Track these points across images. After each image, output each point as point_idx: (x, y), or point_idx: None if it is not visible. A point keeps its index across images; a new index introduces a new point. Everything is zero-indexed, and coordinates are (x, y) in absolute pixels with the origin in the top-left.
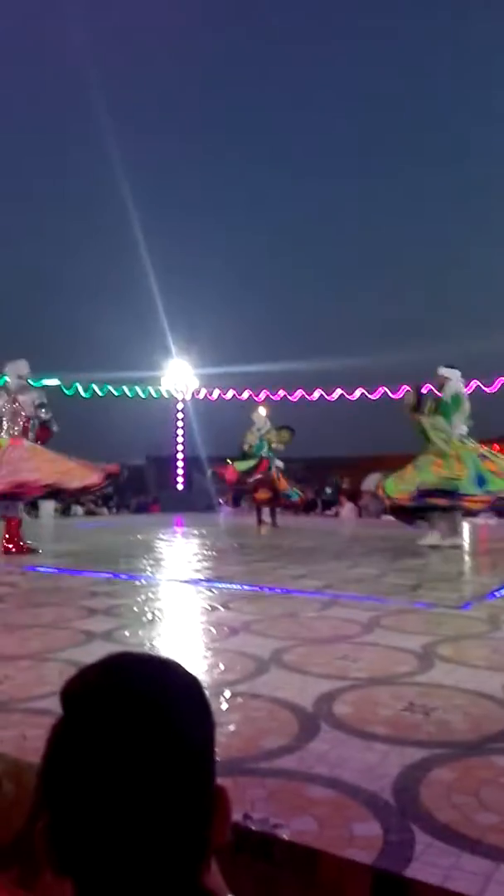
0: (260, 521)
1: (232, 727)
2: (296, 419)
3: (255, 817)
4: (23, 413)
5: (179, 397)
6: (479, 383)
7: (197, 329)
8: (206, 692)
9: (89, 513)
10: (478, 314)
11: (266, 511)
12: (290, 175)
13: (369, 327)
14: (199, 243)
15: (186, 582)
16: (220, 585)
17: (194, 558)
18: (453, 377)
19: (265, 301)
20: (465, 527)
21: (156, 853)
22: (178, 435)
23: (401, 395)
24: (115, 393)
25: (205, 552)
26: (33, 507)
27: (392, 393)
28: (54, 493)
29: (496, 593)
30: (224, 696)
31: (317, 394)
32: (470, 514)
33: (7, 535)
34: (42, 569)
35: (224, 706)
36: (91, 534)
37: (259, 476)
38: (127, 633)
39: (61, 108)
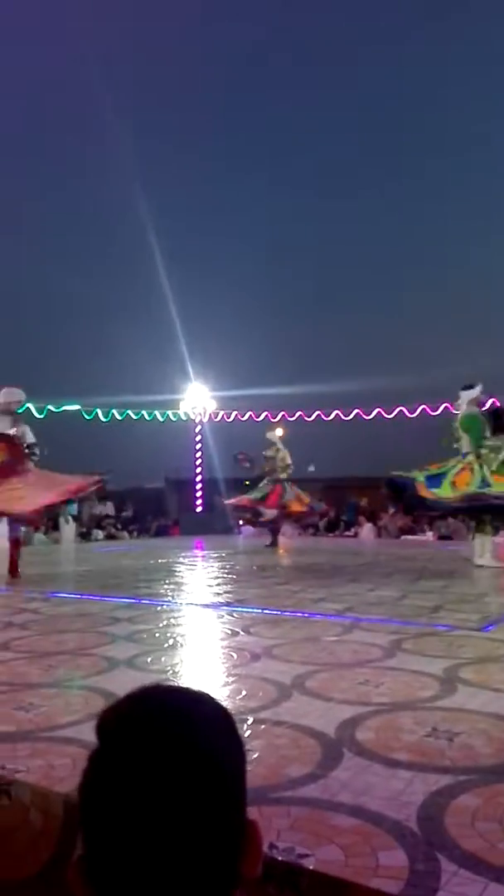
0: (274, 543)
1: (255, 755)
2: (312, 440)
3: (280, 847)
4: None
5: (197, 420)
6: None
7: (215, 353)
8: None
9: (110, 536)
10: (499, 333)
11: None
12: (311, 196)
13: (387, 348)
14: (218, 268)
15: (207, 606)
16: (240, 609)
17: (214, 582)
18: (465, 397)
19: (283, 324)
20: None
21: (188, 885)
22: (196, 458)
23: (415, 414)
24: (135, 417)
25: (225, 575)
26: (55, 528)
27: (409, 412)
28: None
29: None
30: (247, 723)
31: (333, 413)
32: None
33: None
34: (64, 594)
35: (247, 733)
36: (112, 558)
37: (276, 510)
38: (149, 660)
39: (80, 133)
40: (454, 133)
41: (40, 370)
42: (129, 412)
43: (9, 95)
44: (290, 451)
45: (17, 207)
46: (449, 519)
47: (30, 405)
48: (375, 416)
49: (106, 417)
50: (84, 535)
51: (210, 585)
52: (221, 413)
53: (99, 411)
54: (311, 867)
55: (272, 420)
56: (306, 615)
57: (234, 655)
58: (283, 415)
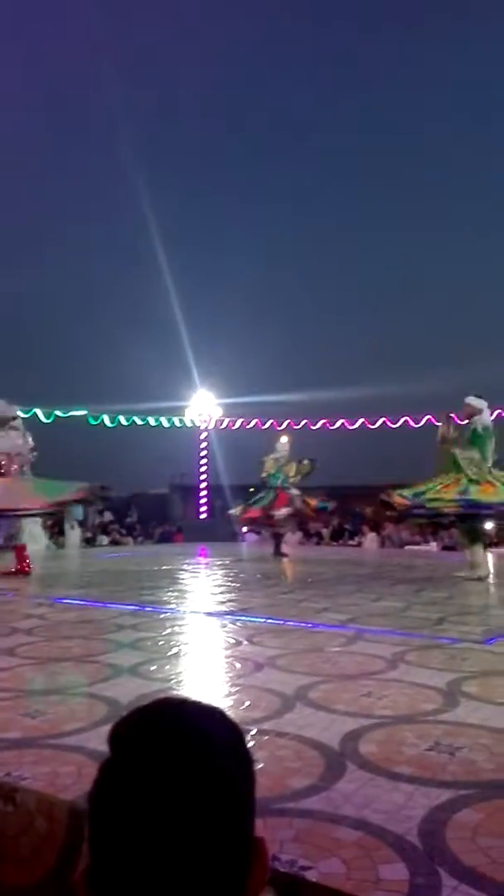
0: (278, 553)
1: (259, 766)
2: (318, 447)
3: (283, 858)
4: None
5: (203, 427)
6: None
7: (221, 360)
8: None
9: (114, 542)
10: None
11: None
12: (313, 207)
13: (392, 355)
14: (224, 277)
15: (210, 614)
16: (243, 618)
17: (218, 590)
18: (483, 407)
19: (288, 332)
20: (491, 558)
21: None
22: (201, 464)
23: (420, 423)
24: (140, 423)
25: (228, 583)
26: (61, 534)
27: (414, 422)
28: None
29: None
30: (250, 734)
31: (339, 422)
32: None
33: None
34: (69, 600)
35: (251, 744)
36: (116, 564)
37: (287, 510)
38: (153, 668)
39: (87, 145)
40: (454, 136)
41: (48, 376)
42: (136, 418)
43: (18, 104)
44: (293, 460)
45: (34, 224)
46: (452, 529)
47: (37, 410)
48: (381, 424)
49: (112, 423)
50: (89, 541)
51: (214, 593)
52: (227, 420)
53: (105, 417)
54: (313, 880)
55: (278, 428)
56: (310, 625)
57: (238, 665)
58: (290, 423)
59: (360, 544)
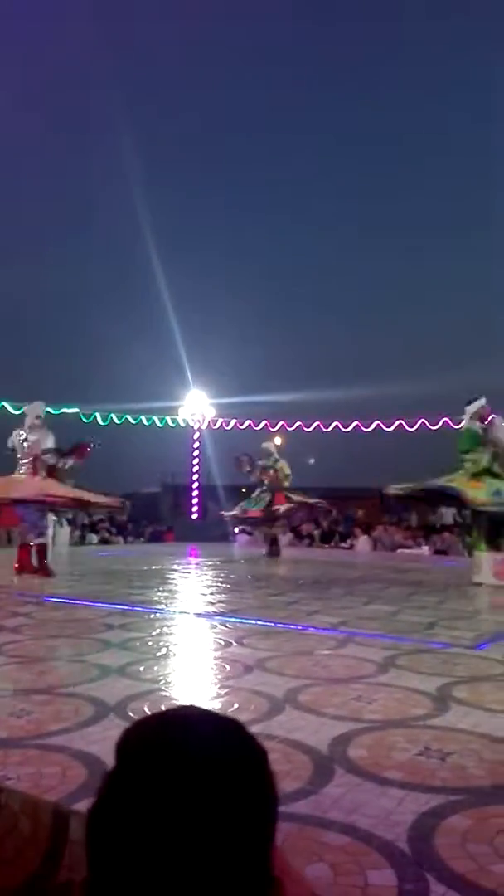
0: (272, 553)
1: None
2: (311, 449)
3: None
4: (35, 452)
5: (196, 426)
6: None
7: (215, 360)
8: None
9: (104, 541)
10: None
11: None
12: (310, 212)
13: (386, 359)
14: (218, 279)
15: (200, 615)
16: (233, 620)
17: (208, 591)
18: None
19: (282, 333)
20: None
21: None
22: (194, 464)
23: (414, 427)
24: (133, 421)
25: (219, 584)
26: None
27: (408, 425)
28: (78, 504)
29: None
30: None
31: (332, 424)
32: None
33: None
34: (56, 599)
35: None
36: (106, 562)
37: (288, 505)
38: (141, 669)
39: (84, 147)
40: (453, 141)
41: (41, 373)
42: (128, 416)
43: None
44: (286, 460)
45: (30, 224)
46: (444, 534)
47: (27, 417)
48: (374, 428)
49: (104, 421)
50: (79, 540)
51: (204, 594)
52: (220, 420)
53: (98, 415)
54: None
55: (271, 430)
56: (300, 628)
57: (227, 667)
58: (283, 424)
59: (351, 547)
